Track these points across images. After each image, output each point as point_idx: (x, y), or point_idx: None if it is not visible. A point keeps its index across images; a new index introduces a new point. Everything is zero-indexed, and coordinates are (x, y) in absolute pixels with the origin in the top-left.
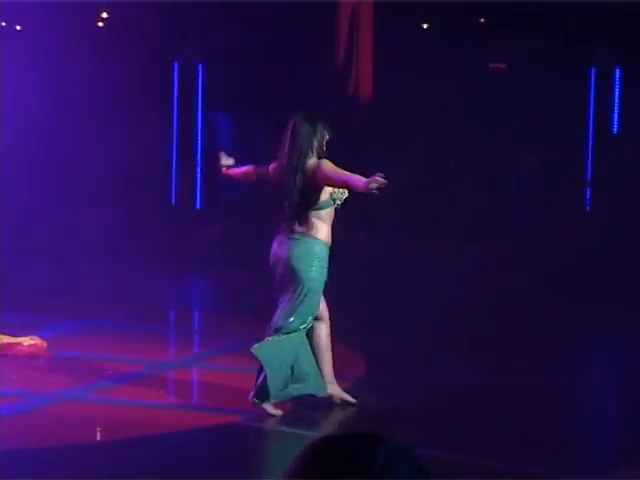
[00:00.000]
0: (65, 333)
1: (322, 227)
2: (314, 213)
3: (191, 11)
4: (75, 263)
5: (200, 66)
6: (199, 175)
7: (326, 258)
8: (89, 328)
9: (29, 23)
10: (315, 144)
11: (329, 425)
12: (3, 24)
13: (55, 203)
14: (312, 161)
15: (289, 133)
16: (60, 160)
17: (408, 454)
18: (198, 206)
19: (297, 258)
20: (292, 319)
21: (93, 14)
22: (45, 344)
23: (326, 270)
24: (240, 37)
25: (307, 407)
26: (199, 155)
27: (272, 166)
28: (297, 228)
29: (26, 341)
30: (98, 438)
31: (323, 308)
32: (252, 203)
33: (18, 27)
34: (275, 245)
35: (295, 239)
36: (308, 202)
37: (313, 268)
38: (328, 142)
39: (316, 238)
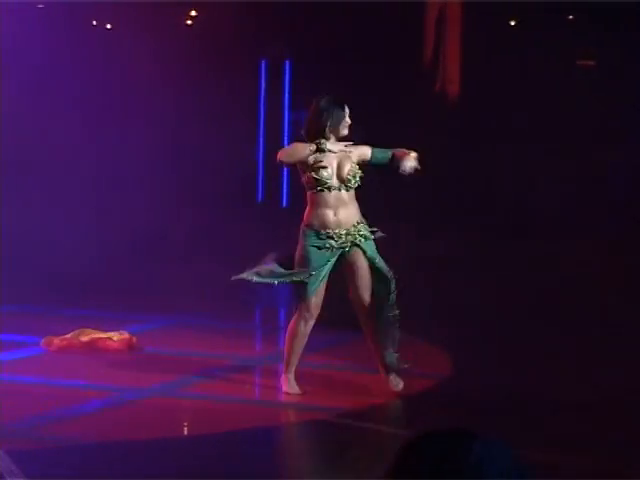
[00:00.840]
0: (154, 329)
1: (309, 209)
2: (308, 194)
3: (279, 8)
4: (163, 261)
5: (287, 63)
6: (285, 173)
7: (309, 242)
8: (177, 324)
9: (119, 22)
10: (320, 127)
11: (419, 423)
12: (94, 23)
13: (144, 203)
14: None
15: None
16: (150, 160)
17: (503, 452)
18: (284, 204)
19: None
20: None
21: (182, 12)
22: (134, 339)
23: (312, 257)
24: (327, 35)
25: (397, 404)
26: None
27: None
28: None
29: (115, 336)
30: (185, 433)
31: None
32: None
33: (109, 25)
34: None
35: None
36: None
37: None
38: (351, 126)
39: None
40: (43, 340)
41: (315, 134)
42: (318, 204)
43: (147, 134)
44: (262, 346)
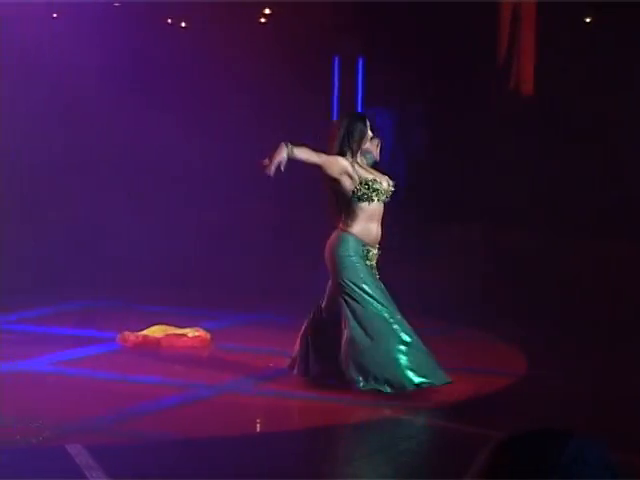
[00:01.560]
0: (229, 326)
1: (355, 222)
2: (345, 208)
3: (352, 5)
4: (242, 258)
5: (360, 60)
6: None
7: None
8: (252, 321)
9: (194, 19)
10: (348, 144)
11: (497, 421)
12: (169, 21)
13: (225, 198)
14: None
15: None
16: (227, 156)
17: (596, 451)
18: None
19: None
20: None
21: (256, 11)
22: (209, 336)
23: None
24: (400, 32)
25: (474, 403)
26: None
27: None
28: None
29: (190, 332)
30: (258, 430)
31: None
32: (408, 200)
33: (183, 24)
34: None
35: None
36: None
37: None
38: (372, 139)
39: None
40: (119, 336)
41: (342, 149)
42: (370, 216)
43: (222, 132)
44: None
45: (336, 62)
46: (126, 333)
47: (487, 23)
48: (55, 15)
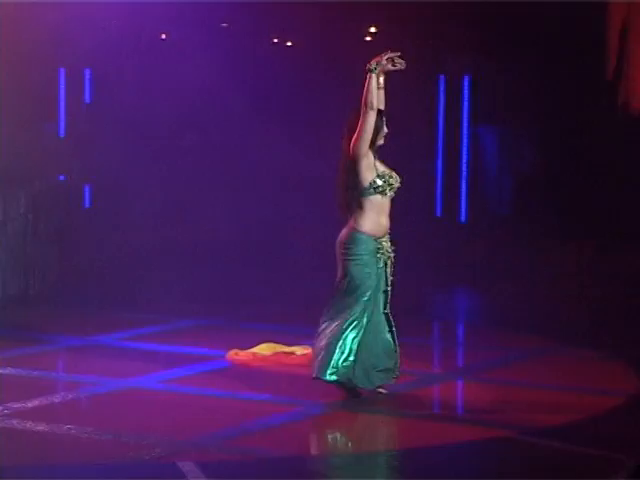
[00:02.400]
0: None
1: (366, 217)
2: (356, 202)
3: (457, 24)
4: None
5: (466, 78)
6: (464, 188)
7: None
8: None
9: (298, 37)
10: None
11: (612, 443)
12: (275, 41)
13: (321, 215)
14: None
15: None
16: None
17: None
18: (463, 219)
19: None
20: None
21: (361, 29)
22: None
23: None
24: (507, 49)
25: (586, 422)
26: (464, 168)
27: None
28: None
29: (299, 350)
30: (368, 448)
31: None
32: (517, 217)
33: (289, 43)
34: None
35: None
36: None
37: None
38: (386, 136)
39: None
40: (228, 354)
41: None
42: (379, 210)
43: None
44: (440, 362)
45: (442, 81)
46: (235, 351)
47: (596, 37)
48: (164, 37)
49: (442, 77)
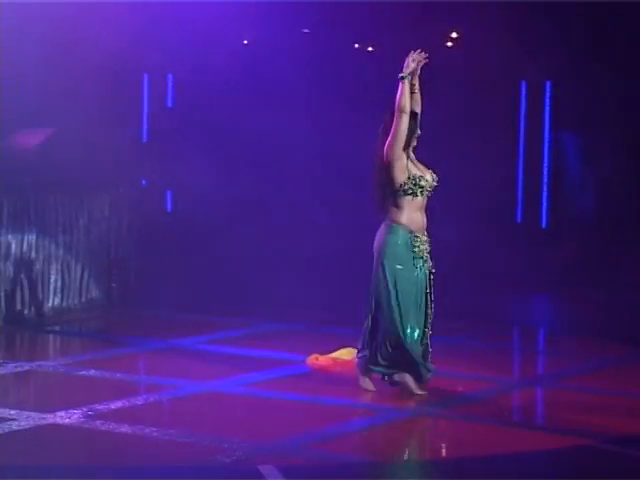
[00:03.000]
0: None
1: (402, 213)
2: (392, 199)
3: (539, 30)
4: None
5: (547, 84)
6: (545, 194)
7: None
8: (446, 343)
9: (381, 43)
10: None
11: None
12: (356, 46)
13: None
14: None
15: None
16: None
17: None
18: (544, 225)
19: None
20: None
21: (442, 34)
22: None
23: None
24: (588, 54)
25: None
26: (545, 174)
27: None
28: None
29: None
30: (445, 454)
31: None
32: (601, 223)
33: (370, 48)
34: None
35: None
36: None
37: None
38: (418, 138)
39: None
40: (308, 358)
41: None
42: (410, 208)
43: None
44: (519, 368)
45: (523, 87)
46: (315, 356)
47: None
48: (245, 42)
49: (524, 83)
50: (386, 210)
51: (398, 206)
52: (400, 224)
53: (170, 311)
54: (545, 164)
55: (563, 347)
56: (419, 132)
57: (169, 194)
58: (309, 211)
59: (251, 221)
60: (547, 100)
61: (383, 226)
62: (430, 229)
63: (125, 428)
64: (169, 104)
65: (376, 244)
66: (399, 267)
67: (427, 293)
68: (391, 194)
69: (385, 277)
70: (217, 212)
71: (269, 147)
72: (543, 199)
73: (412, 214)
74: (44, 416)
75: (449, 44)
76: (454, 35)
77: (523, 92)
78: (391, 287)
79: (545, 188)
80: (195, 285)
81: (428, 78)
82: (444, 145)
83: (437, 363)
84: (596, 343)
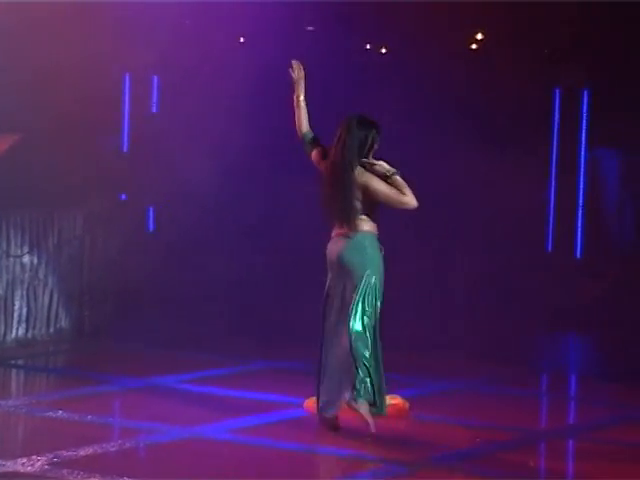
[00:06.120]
0: (428, 393)
1: (370, 222)
2: (368, 211)
3: (574, 29)
4: (439, 314)
5: (585, 92)
6: (580, 219)
7: None
8: (453, 389)
9: (394, 44)
10: (361, 152)
11: None
12: (367, 47)
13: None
14: (359, 172)
15: (341, 135)
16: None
17: None
18: (578, 255)
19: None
20: None
21: (467, 35)
22: (407, 404)
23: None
24: (630, 60)
25: None
26: (581, 196)
27: (320, 158)
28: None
29: (386, 400)
30: None
31: None
32: None
33: (383, 50)
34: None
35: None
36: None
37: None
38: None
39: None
40: (306, 402)
41: (360, 155)
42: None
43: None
44: (547, 418)
45: (557, 94)
46: (314, 399)
47: None
48: (242, 40)
49: (557, 91)
50: (354, 223)
51: (372, 217)
52: (373, 233)
53: (150, 344)
54: (581, 184)
55: (594, 394)
56: (376, 147)
57: (151, 211)
58: (311, 229)
59: (244, 241)
60: (584, 111)
61: (360, 239)
62: (451, 258)
63: (96, 478)
64: (153, 109)
65: (357, 259)
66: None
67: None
68: (368, 206)
69: (379, 295)
70: (205, 231)
71: (266, 157)
72: (578, 225)
73: (376, 222)
74: (3, 463)
75: (473, 46)
76: (479, 37)
77: (557, 101)
78: (380, 306)
79: (580, 212)
80: (179, 314)
81: (446, 84)
82: (462, 156)
83: (453, 410)
84: (632, 390)
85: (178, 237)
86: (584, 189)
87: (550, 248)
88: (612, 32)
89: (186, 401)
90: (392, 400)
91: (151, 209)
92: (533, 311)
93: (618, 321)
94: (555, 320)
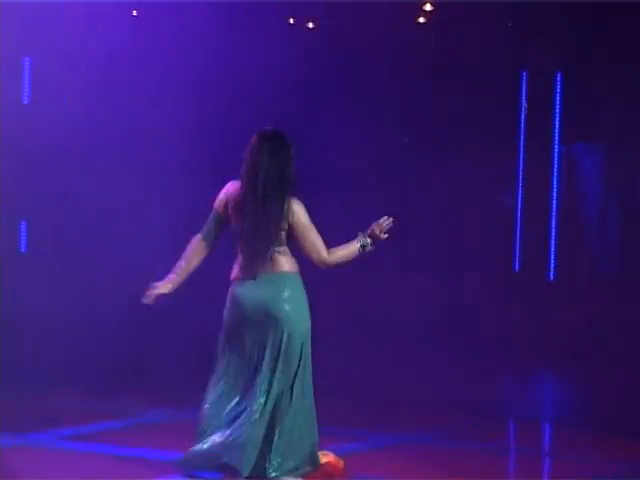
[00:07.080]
0: (369, 449)
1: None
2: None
3: (545, 5)
4: (390, 347)
5: (558, 77)
6: (553, 231)
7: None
8: (398, 444)
9: (326, 19)
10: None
11: None
12: (291, 21)
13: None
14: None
15: (260, 155)
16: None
17: None
18: (551, 277)
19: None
20: None
21: (413, 7)
22: (341, 463)
23: None
24: (612, 36)
25: None
26: (554, 203)
27: (229, 196)
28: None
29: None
30: None
31: None
32: (629, 270)
33: (310, 25)
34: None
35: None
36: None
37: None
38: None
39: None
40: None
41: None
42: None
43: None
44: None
45: (524, 78)
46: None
47: None
48: (135, 13)
49: (524, 74)
50: (273, 260)
51: (293, 254)
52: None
53: (25, 390)
54: (554, 189)
55: (575, 446)
56: None
57: (23, 226)
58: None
59: (141, 260)
60: (557, 97)
61: (290, 280)
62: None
63: None
64: (24, 100)
65: (289, 305)
66: None
67: None
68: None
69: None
70: (88, 253)
71: (159, 152)
72: (551, 240)
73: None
74: None
75: (421, 20)
76: (428, 7)
77: (524, 86)
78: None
79: (554, 223)
80: (61, 353)
81: (393, 62)
82: (408, 149)
83: (397, 471)
84: (620, 441)
85: (58, 258)
86: (558, 192)
87: (518, 268)
88: (589, 8)
89: (66, 463)
90: (325, 458)
91: (23, 224)
92: (496, 344)
93: (598, 357)
94: (526, 355)
